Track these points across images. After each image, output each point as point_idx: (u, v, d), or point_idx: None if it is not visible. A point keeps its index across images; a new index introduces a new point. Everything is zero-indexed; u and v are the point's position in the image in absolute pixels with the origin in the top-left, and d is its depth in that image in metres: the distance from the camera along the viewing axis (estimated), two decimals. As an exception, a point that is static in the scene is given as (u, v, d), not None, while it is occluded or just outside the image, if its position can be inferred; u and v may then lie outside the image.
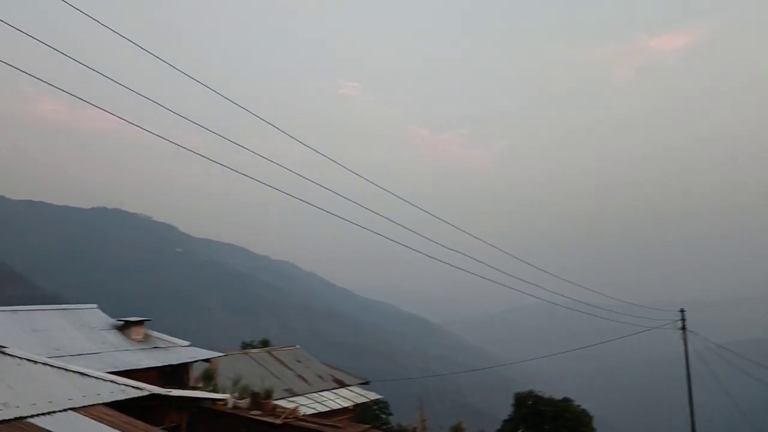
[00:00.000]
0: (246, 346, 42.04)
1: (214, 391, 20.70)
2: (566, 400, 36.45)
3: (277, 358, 31.58)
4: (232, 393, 20.38)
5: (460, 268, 23.69)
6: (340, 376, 32.71)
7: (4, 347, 12.58)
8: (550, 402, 35.98)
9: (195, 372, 22.81)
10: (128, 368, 18.28)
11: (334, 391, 30.38)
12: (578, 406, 36.29)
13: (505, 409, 39.89)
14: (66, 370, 12.52)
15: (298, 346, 34.74)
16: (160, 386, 14.66)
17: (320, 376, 31.69)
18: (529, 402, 36.25)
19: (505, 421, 37.07)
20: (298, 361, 32.22)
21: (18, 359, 12.17)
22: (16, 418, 10.40)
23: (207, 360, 22.83)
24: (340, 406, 28.73)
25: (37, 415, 10.69)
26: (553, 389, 40.37)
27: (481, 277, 25.24)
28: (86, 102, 12.15)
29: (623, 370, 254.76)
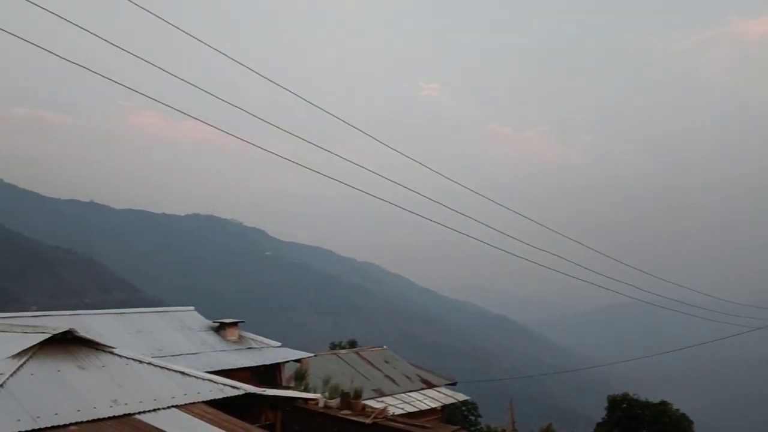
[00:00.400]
0: (334, 346, 42.68)
1: (306, 390, 21.09)
2: (664, 403, 34.76)
3: (365, 359, 31.85)
4: (322, 393, 20.70)
5: (550, 268, 23.11)
6: (427, 376, 32.61)
7: (112, 348, 13.21)
8: (646, 405, 34.42)
9: (287, 372, 23.32)
10: (224, 368, 18.86)
11: (421, 391, 30.31)
12: (677, 409, 34.57)
13: (596, 412, 38.58)
14: (169, 369, 13.04)
15: (385, 347, 34.91)
16: (254, 386, 15.06)
17: (408, 377, 31.69)
18: (624, 405, 34.84)
19: (599, 425, 35.79)
20: (386, 362, 32.37)
21: (125, 359, 12.77)
22: (124, 415, 10.92)
23: (298, 360, 23.27)
24: (428, 407, 28.62)
25: (144, 412, 11.19)
26: (646, 392, 38.70)
27: (572, 277, 24.53)
28: (182, 113, 12.63)
29: (723, 372, 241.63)
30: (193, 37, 13.10)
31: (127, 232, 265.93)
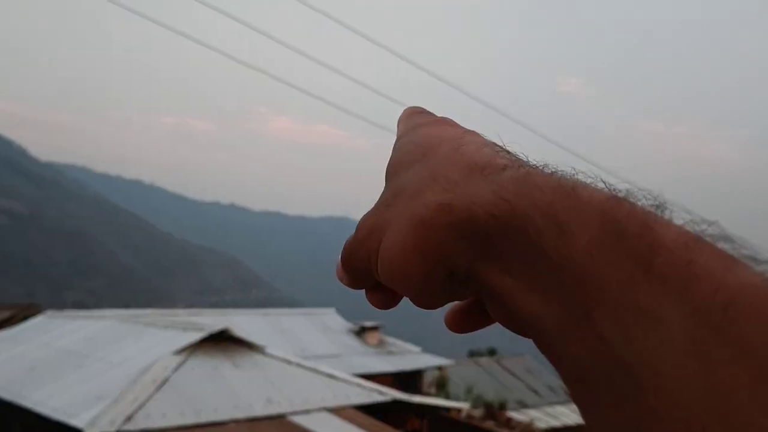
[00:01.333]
0: (473, 354, 42.17)
1: (447, 398, 20.90)
2: None
3: (506, 368, 31.16)
4: (464, 402, 20.42)
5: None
6: (572, 389, 31.26)
7: (264, 347, 13.69)
8: None
9: (427, 378, 23.28)
10: (366, 372, 19.10)
11: (567, 405, 29.15)
12: None
13: None
14: (318, 371, 13.32)
15: (527, 356, 33.98)
16: (397, 391, 15.09)
17: (552, 389, 30.61)
18: None
19: None
20: (528, 372, 31.47)
21: (276, 359, 13.21)
22: (278, 415, 11.26)
23: (438, 367, 23.15)
24: (575, 423, 27.43)
25: (296, 413, 11.47)
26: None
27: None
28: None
29: None
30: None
31: (265, 233, 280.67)
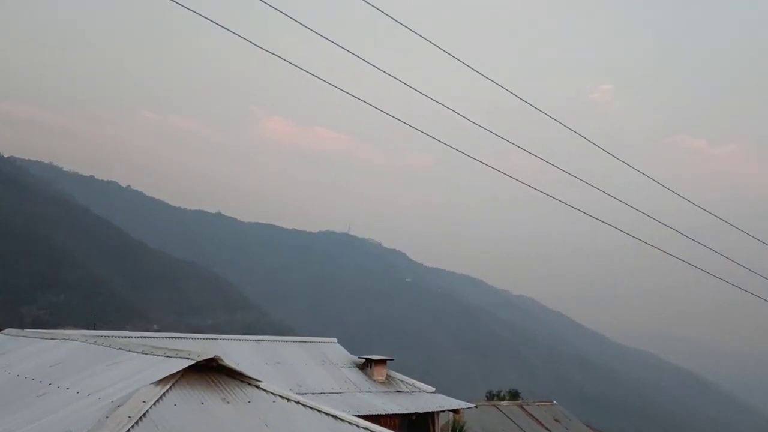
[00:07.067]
0: (492, 396, 41.74)
1: (464, 447, 20.51)
2: None
3: (530, 414, 30.72)
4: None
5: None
6: (606, 442, 30.87)
7: (258, 381, 13.36)
8: None
9: (440, 422, 22.88)
10: (372, 413, 18.78)
11: (600, 460, 28.66)
12: None
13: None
14: (320, 411, 12.96)
15: (554, 402, 33.56)
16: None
17: (583, 441, 30.17)
18: None
19: None
20: (556, 420, 31.02)
21: (272, 395, 12.86)
22: (273, 462, 10.91)
23: (455, 410, 22.77)
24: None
25: (295, 460, 11.12)
26: None
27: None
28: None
29: None
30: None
31: (255, 247, 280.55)
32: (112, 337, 17.04)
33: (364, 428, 13.27)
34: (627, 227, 17.96)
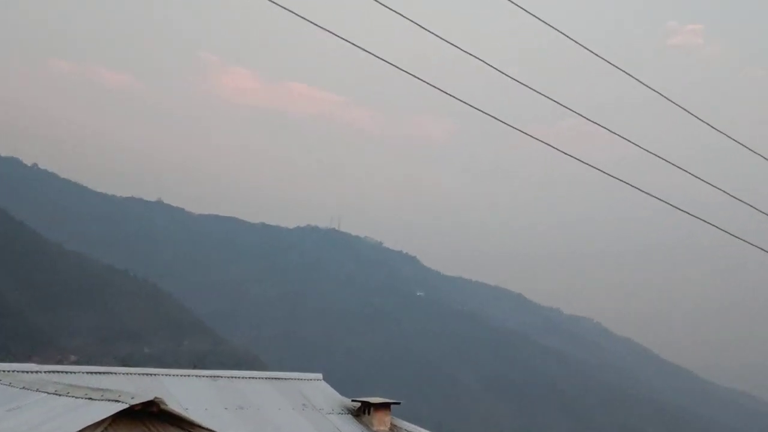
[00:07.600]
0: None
1: None
2: None
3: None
4: None
5: None
6: None
7: (212, 431, 13.47)
8: None
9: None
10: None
11: None
12: None
13: None
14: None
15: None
16: None
17: None
18: None
19: None
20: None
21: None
22: None
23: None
24: None
25: None
26: None
27: None
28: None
29: None
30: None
31: (209, 249, 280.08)
32: (12, 372, 17.06)
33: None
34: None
